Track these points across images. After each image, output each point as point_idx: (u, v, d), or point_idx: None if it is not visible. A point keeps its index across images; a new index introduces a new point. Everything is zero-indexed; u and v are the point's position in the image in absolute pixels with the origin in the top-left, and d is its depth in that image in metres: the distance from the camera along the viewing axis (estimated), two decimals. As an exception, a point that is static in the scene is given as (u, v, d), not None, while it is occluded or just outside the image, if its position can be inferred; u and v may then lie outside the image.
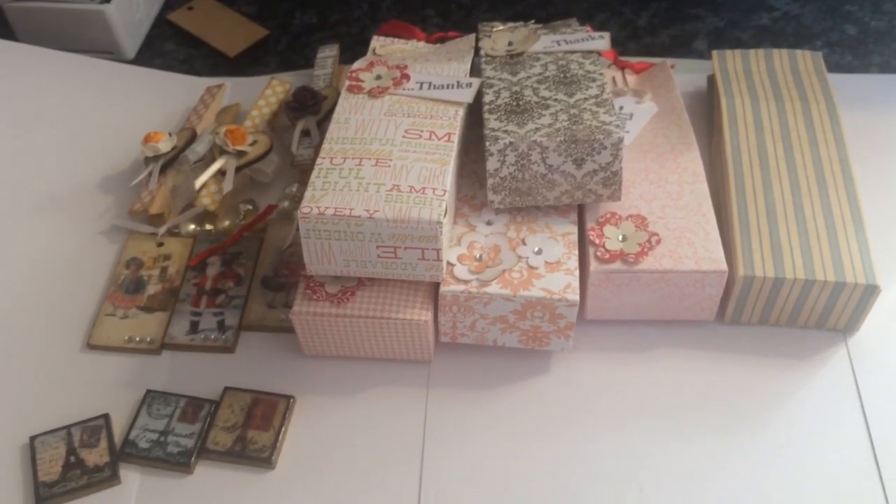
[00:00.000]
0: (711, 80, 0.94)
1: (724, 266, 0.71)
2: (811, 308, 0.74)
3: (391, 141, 0.72)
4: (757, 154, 0.81)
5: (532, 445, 0.70)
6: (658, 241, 0.73)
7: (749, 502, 0.66)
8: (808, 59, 0.91)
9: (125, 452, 0.70)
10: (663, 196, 0.77)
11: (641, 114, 0.86)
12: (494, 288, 0.70)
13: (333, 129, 0.74)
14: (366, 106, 0.76)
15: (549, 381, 0.74)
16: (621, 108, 0.87)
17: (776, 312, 0.75)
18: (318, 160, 0.71)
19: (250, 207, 0.87)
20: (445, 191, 0.68)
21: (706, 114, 0.93)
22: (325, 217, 0.67)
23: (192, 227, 0.85)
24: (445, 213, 0.67)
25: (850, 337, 0.75)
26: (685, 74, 0.96)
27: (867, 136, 0.89)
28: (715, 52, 0.93)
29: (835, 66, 1.00)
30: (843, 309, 0.73)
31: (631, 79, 0.93)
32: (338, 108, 0.76)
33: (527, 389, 0.74)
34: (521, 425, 0.71)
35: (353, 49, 1.03)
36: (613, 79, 0.92)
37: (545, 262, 0.71)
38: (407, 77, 0.79)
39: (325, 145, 0.72)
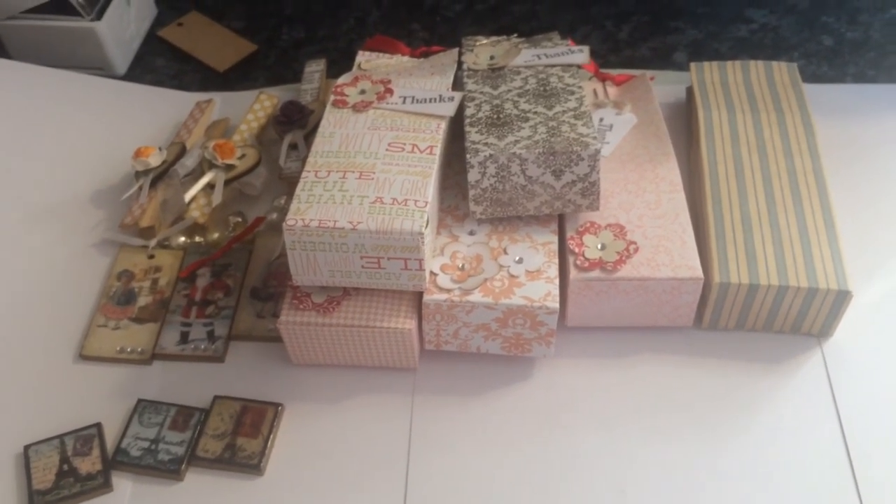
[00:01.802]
0: (690, 92, 0.96)
1: (699, 273, 0.73)
2: (786, 313, 0.75)
3: (375, 154, 0.74)
4: (733, 164, 0.83)
5: (516, 450, 0.72)
6: (636, 250, 0.75)
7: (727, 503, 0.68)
8: (783, 71, 0.93)
9: (117, 460, 0.71)
10: (641, 205, 0.79)
11: (621, 125, 0.88)
12: (476, 296, 0.71)
13: (318, 143, 0.76)
14: (350, 120, 0.78)
15: (532, 387, 0.76)
16: (601, 119, 0.89)
17: (752, 318, 0.77)
18: (304, 173, 0.73)
19: (239, 220, 0.88)
20: (427, 202, 0.70)
21: (685, 125, 0.95)
22: (310, 229, 0.68)
23: (182, 239, 0.87)
24: (427, 224, 0.69)
25: (824, 341, 0.77)
26: (665, 86, 0.98)
27: (841, 145, 0.92)
28: (693, 65, 0.95)
29: (811, 77, 1.02)
30: (817, 314, 0.75)
31: (611, 90, 0.95)
32: (323, 123, 0.78)
33: (510, 395, 0.75)
34: (505, 431, 0.73)
35: (341, 63, 1.05)
36: (594, 90, 0.94)
37: (526, 271, 0.73)
38: (390, 91, 0.81)
39: (310, 159, 0.74)
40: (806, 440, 0.71)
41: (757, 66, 0.94)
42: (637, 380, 0.76)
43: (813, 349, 0.77)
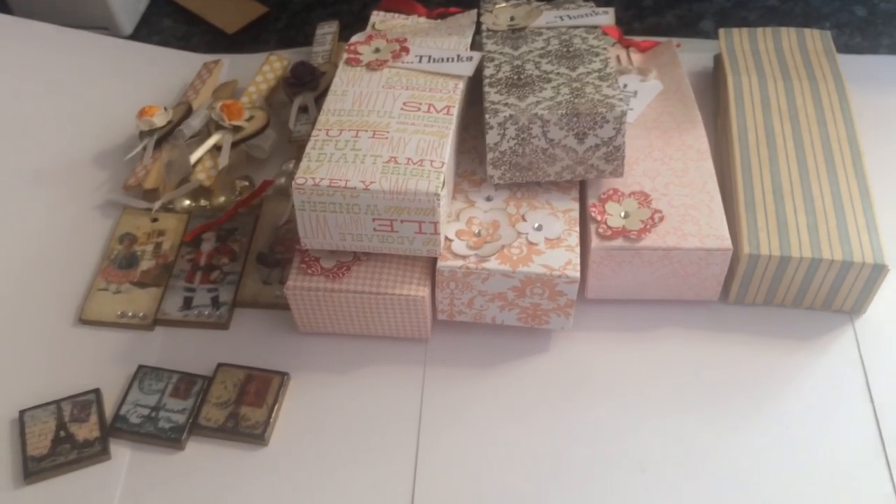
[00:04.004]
0: (718, 60, 0.92)
1: (728, 243, 0.70)
2: (817, 288, 0.72)
3: (389, 113, 0.71)
4: (764, 132, 0.79)
5: (530, 425, 0.69)
6: (661, 219, 0.71)
7: (752, 484, 0.65)
8: (816, 38, 0.89)
9: (116, 427, 0.68)
10: (667, 173, 0.75)
11: (646, 92, 0.85)
12: (493, 264, 0.68)
13: (330, 101, 0.73)
14: (364, 78, 0.75)
15: (549, 360, 0.73)
16: (625, 85, 0.85)
17: (782, 292, 0.73)
18: (314, 132, 0.70)
19: (246, 184, 0.85)
20: (444, 163, 0.67)
21: (712, 94, 0.91)
22: (320, 188, 0.65)
23: (188, 202, 0.83)
24: (443, 186, 0.66)
25: (856, 318, 0.74)
26: (691, 54, 0.94)
27: (876, 117, 0.88)
28: (722, 31, 0.91)
29: (844, 47, 0.98)
30: (850, 289, 0.71)
31: (636, 57, 0.91)
32: (335, 81, 0.75)
33: (525, 369, 0.72)
34: (520, 405, 0.70)
35: (353, 27, 1.01)
36: (618, 57, 0.91)
37: (545, 239, 0.70)
38: (406, 50, 0.78)
39: (322, 117, 0.71)
40: (836, 421, 0.68)
41: (789, 33, 0.90)
42: (659, 355, 0.72)
43: (844, 326, 0.73)
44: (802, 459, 0.66)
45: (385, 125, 0.70)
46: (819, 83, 0.84)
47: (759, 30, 0.90)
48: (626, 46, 0.92)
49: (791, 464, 0.66)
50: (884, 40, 0.99)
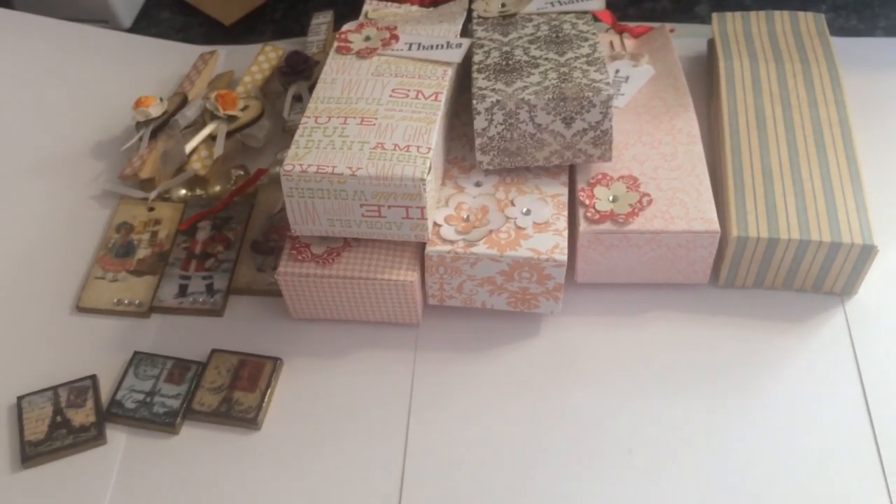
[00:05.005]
0: (711, 44, 0.92)
1: (716, 226, 0.70)
2: (807, 270, 0.72)
3: (377, 100, 0.72)
4: (754, 115, 0.79)
5: (521, 409, 0.69)
6: (649, 202, 0.72)
7: (741, 466, 0.65)
8: (810, 21, 0.89)
9: (111, 412, 0.70)
10: (656, 157, 0.76)
11: (638, 77, 0.85)
12: (481, 248, 0.69)
13: (320, 89, 0.73)
14: (353, 66, 0.75)
15: (539, 344, 0.73)
16: (618, 70, 0.85)
17: (771, 275, 0.73)
18: (303, 119, 0.70)
19: (241, 173, 0.86)
20: (430, 149, 0.67)
21: (706, 79, 0.91)
22: (308, 175, 0.66)
23: (183, 192, 0.84)
24: (430, 171, 0.66)
25: (847, 300, 0.74)
26: (686, 39, 0.94)
27: (870, 100, 0.87)
28: (715, 15, 0.91)
29: (840, 30, 0.98)
30: (840, 271, 0.71)
31: (629, 43, 0.91)
32: (325, 69, 0.76)
33: (516, 353, 0.73)
34: (510, 389, 0.70)
35: (349, 17, 1.01)
36: (611, 43, 0.91)
37: (533, 223, 0.70)
38: (396, 38, 0.78)
39: (311, 105, 0.72)
40: (826, 404, 0.68)
41: (782, 17, 0.89)
42: (649, 339, 0.73)
43: (835, 308, 0.73)
44: (792, 441, 0.66)
45: (373, 112, 0.70)
46: (811, 66, 0.84)
47: (753, 13, 0.90)
48: (620, 32, 0.92)
49: (781, 445, 0.66)
50: (880, 22, 0.99)
